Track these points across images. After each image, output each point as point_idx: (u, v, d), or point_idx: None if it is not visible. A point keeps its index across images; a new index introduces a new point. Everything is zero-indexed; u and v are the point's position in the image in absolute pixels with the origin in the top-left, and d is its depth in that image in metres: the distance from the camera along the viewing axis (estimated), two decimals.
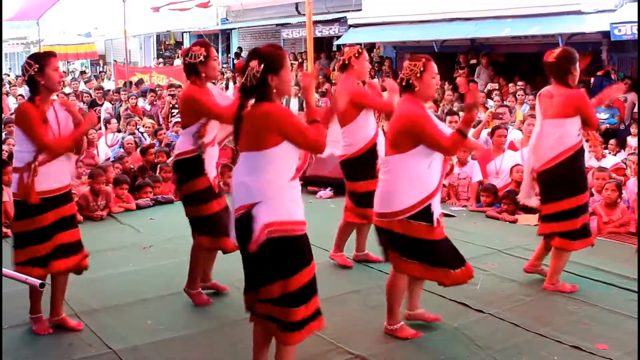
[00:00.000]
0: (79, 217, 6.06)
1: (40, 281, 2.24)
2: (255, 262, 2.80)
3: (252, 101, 2.85)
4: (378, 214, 3.49)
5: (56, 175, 3.56)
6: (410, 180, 3.37)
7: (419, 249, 3.42)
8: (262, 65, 2.73)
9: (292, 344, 2.88)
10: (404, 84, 3.43)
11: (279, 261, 2.78)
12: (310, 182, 7.22)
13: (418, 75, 3.36)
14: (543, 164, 4.16)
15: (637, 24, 9.37)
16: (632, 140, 9.14)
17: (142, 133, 9.16)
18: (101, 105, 12.06)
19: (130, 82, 14.31)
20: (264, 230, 2.71)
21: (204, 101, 3.80)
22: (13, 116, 5.10)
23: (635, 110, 9.81)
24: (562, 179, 4.11)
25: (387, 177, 3.47)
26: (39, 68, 3.48)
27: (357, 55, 4.57)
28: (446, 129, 3.51)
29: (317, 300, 2.92)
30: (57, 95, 4.23)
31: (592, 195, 5.75)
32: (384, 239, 3.52)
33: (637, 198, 5.77)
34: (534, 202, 4.53)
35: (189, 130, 3.88)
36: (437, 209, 3.45)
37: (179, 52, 21.02)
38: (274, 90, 2.78)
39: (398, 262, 3.48)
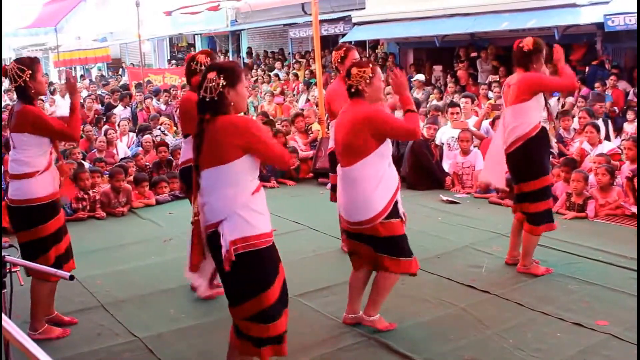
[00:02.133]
0: (102, 214, 6.55)
1: (69, 274, 2.21)
2: (230, 278, 2.77)
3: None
4: (357, 222, 3.45)
5: (53, 180, 3.58)
6: (378, 182, 3.39)
7: (398, 245, 3.47)
8: (221, 78, 2.69)
9: (266, 358, 2.83)
10: (353, 90, 3.44)
11: (250, 277, 2.73)
12: (320, 174, 7.66)
13: (368, 81, 3.41)
14: (507, 147, 4.31)
15: (629, 15, 9.69)
16: (627, 126, 9.48)
17: (162, 131, 9.34)
18: (115, 106, 12.55)
19: (140, 84, 14.84)
20: (231, 248, 2.66)
21: None
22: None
23: (630, 97, 10.08)
24: (524, 162, 4.27)
25: (354, 186, 3.43)
26: (31, 74, 3.45)
27: (340, 60, 4.69)
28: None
29: (286, 316, 2.85)
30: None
31: (587, 179, 6.00)
32: (365, 246, 3.52)
33: (627, 182, 6.03)
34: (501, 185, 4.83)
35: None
36: (400, 203, 3.52)
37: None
38: (232, 104, 2.72)
39: (392, 263, 3.47)
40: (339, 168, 3.57)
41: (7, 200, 3.59)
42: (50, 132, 3.49)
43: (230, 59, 20.31)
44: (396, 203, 3.46)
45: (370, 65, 3.47)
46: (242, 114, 2.87)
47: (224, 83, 2.69)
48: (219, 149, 2.68)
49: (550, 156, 4.59)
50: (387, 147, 3.45)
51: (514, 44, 4.32)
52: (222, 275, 2.81)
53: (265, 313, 2.74)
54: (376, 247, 3.47)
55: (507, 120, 4.33)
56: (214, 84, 2.69)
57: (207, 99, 2.70)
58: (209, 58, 4.08)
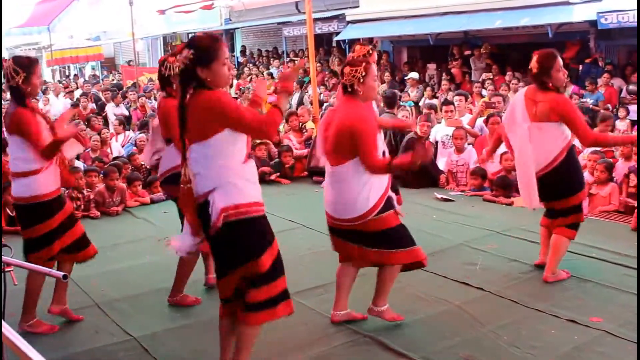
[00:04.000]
0: (96, 213, 6.53)
1: (63, 273, 2.22)
2: (220, 247, 2.80)
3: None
4: (347, 219, 3.43)
5: (57, 175, 3.62)
6: (368, 179, 3.36)
7: (393, 237, 3.45)
8: (193, 57, 2.67)
9: (253, 324, 2.85)
10: (349, 89, 3.40)
11: (241, 244, 2.76)
12: (315, 173, 7.65)
13: (361, 80, 3.35)
14: (541, 168, 4.09)
15: (622, 12, 9.74)
16: (619, 124, 9.53)
17: None
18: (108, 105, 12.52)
19: (135, 83, 14.80)
20: (220, 215, 2.69)
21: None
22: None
23: (623, 95, 10.14)
24: (562, 180, 4.11)
25: (343, 184, 3.41)
26: (25, 77, 3.42)
27: (369, 53, 4.46)
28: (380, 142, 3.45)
29: (283, 282, 2.87)
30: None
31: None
32: (349, 244, 3.51)
33: (624, 179, 6.03)
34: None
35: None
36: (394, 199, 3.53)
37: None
38: (208, 81, 2.69)
39: (392, 256, 3.46)
40: (327, 166, 3.54)
41: (11, 198, 3.64)
42: (31, 141, 3.44)
43: None
44: (389, 198, 3.44)
45: (364, 63, 3.40)
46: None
47: (196, 62, 2.66)
48: (200, 126, 2.70)
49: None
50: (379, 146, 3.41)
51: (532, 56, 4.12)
52: (212, 245, 2.84)
53: (258, 278, 2.79)
54: (372, 243, 3.45)
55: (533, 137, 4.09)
56: (183, 57, 2.67)
57: (183, 74, 2.71)
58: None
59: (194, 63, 2.66)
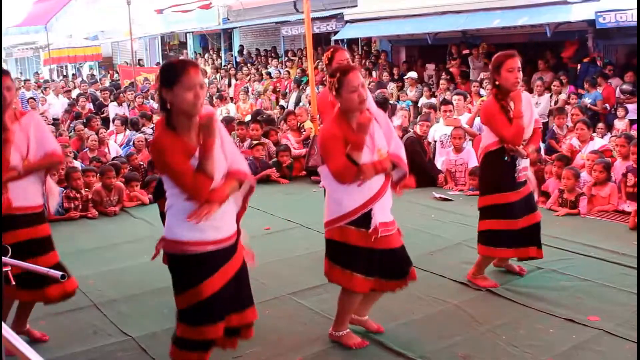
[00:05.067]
0: (94, 212, 6.53)
1: (61, 273, 2.16)
2: None
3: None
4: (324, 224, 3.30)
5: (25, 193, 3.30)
6: (344, 188, 3.14)
7: (335, 250, 3.24)
8: (158, 79, 2.63)
9: (173, 357, 2.85)
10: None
11: (173, 275, 2.80)
12: (313, 172, 7.66)
13: (335, 92, 3.13)
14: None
15: (620, 12, 9.75)
16: (618, 123, 9.55)
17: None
18: (107, 105, 12.51)
19: (132, 83, 14.80)
20: (160, 242, 2.76)
21: None
22: None
23: (618, 94, 10.15)
24: (481, 176, 4.31)
25: (326, 187, 3.31)
26: None
27: (328, 62, 4.43)
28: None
29: (209, 331, 2.74)
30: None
31: (579, 176, 6.05)
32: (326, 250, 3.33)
33: (622, 179, 6.03)
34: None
35: None
36: (379, 215, 3.17)
37: (184, 52, 21.56)
38: (172, 107, 2.60)
39: (328, 268, 3.29)
40: None
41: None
42: None
43: (222, 57, 20.31)
44: (369, 212, 3.14)
45: (338, 74, 3.10)
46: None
47: (159, 84, 2.61)
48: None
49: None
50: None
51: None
52: None
53: (179, 312, 2.79)
54: (334, 255, 3.27)
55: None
56: (156, 81, 2.73)
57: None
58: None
59: (160, 84, 2.61)
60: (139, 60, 21.01)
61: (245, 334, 2.97)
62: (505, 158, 4.01)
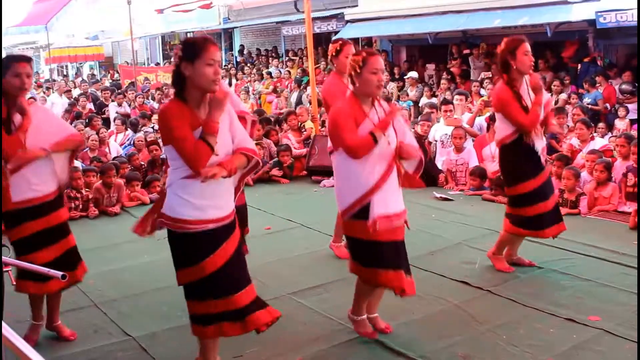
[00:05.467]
0: (95, 212, 6.52)
1: (61, 273, 2.18)
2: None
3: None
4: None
5: (28, 184, 3.29)
6: (347, 179, 3.18)
7: (355, 248, 3.28)
8: (180, 51, 2.68)
9: (194, 334, 2.90)
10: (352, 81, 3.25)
11: (173, 251, 2.86)
12: (314, 172, 7.68)
13: (358, 70, 3.14)
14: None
15: (621, 12, 9.75)
16: (619, 123, 9.54)
17: (155, 130, 9.11)
18: (107, 105, 12.50)
19: (133, 82, 14.81)
20: (158, 218, 2.82)
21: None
22: None
23: (619, 95, 10.15)
24: (503, 168, 4.36)
25: (335, 173, 3.35)
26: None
27: (335, 54, 4.55)
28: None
29: (216, 304, 2.81)
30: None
31: (579, 176, 6.06)
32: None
33: (623, 179, 6.01)
34: None
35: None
36: (379, 207, 3.15)
37: None
38: (189, 82, 2.67)
39: (353, 266, 3.34)
40: None
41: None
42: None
43: (223, 57, 20.32)
44: (368, 205, 3.14)
45: (362, 55, 3.16)
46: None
47: (181, 54, 2.67)
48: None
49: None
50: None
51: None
52: None
53: (185, 290, 2.84)
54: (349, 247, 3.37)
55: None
56: (176, 57, 2.70)
57: (172, 76, 2.75)
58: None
59: (180, 59, 2.67)
60: (148, 58, 21.06)
61: (259, 320, 2.92)
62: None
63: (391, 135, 3.23)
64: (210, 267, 2.78)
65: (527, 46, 4.07)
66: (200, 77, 2.65)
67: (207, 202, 2.74)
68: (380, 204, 3.15)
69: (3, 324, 1.70)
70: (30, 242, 3.35)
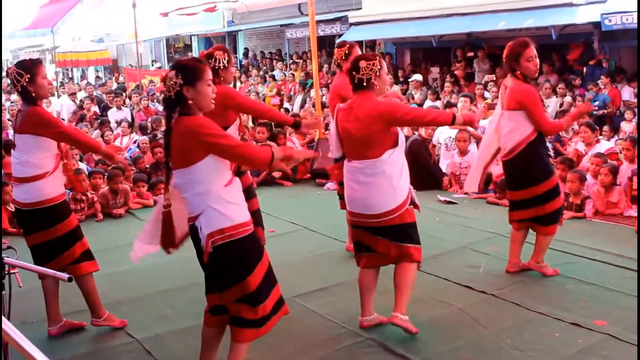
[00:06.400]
0: (100, 216, 6.52)
1: (68, 275, 2.21)
2: (211, 269, 2.84)
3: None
4: (382, 213, 3.42)
5: (62, 179, 3.66)
6: (402, 170, 3.46)
7: (416, 231, 3.54)
8: (179, 77, 2.73)
9: (247, 341, 2.89)
10: (364, 83, 3.41)
11: (230, 267, 2.80)
12: (318, 175, 7.68)
13: (377, 73, 3.42)
14: (504, 155, 4.22)
15: (626, 14, 9.71)
16: (625, 126, 9.50)
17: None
18: (111, 108, 12.48)
19: (138, 86, 14.84)
20: (207, 242, 2.73)
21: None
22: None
23: (624, 98, 10.11)
24: (523, 168, 4.16)
25: (381, 177, 3.41)
26: (30, 78, 3.43)
27: (344, 57, 4.60)
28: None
29: (274, 296, 2.90)
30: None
31: (584, 179, 6.03)
32: (383, 240, 3.48)
33: (628, 182, 6.01)
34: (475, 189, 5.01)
35: None
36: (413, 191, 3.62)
37: (189, 55, 21.59)
38: (191, 103, 2.75)
39: (416, 251, 3.49)
40: (353, 163, 3.49)
41: (14, 204, 3.65)
42: (56, 133, 3.48)
43: None
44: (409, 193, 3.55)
45: (377, 57, 3.47)
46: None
47: (182, 82, 2.73)
48: (183, 152, 2.74)
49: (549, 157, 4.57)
50: (402, 135, 3.55)
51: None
52: (203, 266, 2.88)
53: (249, 297, 2.81)
54: (398, 237, 3.46)
55: (502, 124, 4.23)
56: (172, 82, 2.74)
57: (168, 97, 2.79)
58: (226, 54, 4.04)
59: (181, 83, 2.73)
60: (153, 61, 21.04)
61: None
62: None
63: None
64: (266, 261, 2.89)
65: (531, 51, 4.03)
66: (205, 98, 2.78)
67: (244, 204, 2.87)
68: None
69: (10, 325, 1.71)
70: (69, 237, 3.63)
